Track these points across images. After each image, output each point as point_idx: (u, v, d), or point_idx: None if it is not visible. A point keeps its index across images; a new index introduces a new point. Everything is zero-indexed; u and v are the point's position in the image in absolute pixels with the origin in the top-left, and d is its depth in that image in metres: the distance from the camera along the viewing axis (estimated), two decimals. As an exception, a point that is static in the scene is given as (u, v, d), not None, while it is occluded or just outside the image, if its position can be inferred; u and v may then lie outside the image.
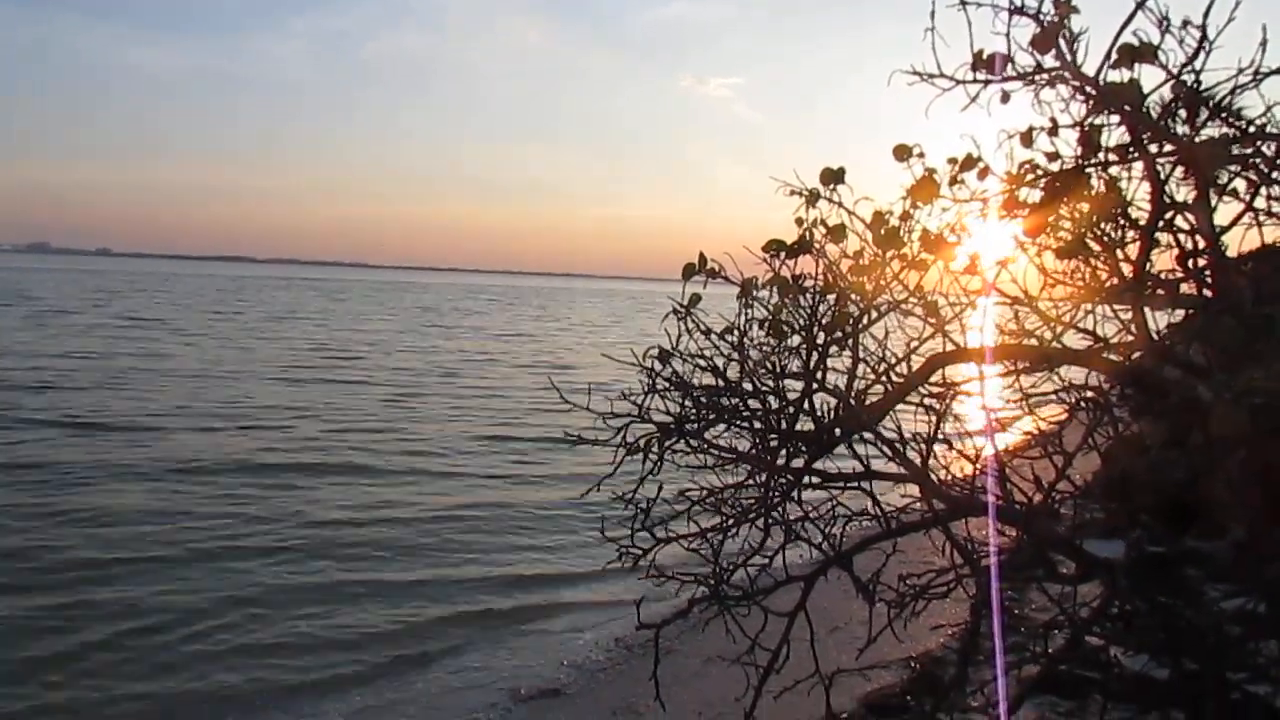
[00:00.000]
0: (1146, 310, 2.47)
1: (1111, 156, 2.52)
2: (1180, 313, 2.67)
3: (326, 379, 23.26)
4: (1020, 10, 2.32)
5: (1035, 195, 2.69)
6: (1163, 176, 2.32)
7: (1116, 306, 2.56)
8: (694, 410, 2.95)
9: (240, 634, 7.48)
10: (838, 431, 2.80)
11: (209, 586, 8.44)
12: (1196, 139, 2.27)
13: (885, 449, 2.71)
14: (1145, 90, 2.34)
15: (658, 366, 2.98)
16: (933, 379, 2.73)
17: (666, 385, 2.96)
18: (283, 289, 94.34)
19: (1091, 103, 2.38)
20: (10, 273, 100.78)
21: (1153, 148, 2.31)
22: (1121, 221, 2.63)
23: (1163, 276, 2.51)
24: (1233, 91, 2.23)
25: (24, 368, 21.41)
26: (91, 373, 21.27)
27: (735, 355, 2.97)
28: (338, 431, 16.13)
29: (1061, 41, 2.31)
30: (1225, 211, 2.37)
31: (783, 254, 2.95)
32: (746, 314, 2.97)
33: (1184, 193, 2.36)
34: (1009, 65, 2.37)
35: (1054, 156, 2.62)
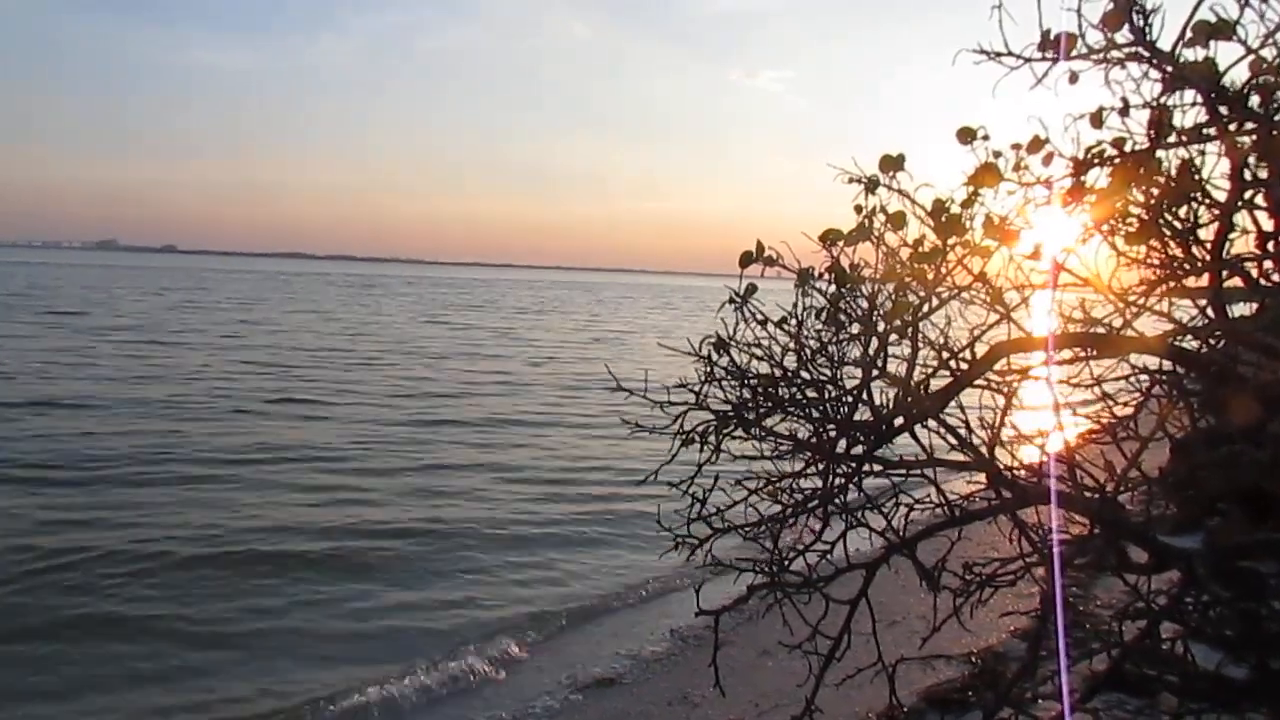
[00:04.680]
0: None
1: (1185, 137, 2.45)
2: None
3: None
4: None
5: (1102, 180, 2.62)
6: (1242, 156, 2.25)
7: (1191, 290, 2.49)
8: (751, 399, 2.94)
9: (309, 622, 7.68)
10: (899, 420, 2.77)
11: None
12: (1276, 117, 2.19)
13: (949, 437, 2.67)
14: (1221, 68, 2.27)
15: (715, 356, 2.98)
16: (997, 366, 2.68)
17: (724, 374, 2.96)
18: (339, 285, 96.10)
19: (1165, 81, 2.32)
20: (40, 269, 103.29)
21: (1232, 126, 2.24)
22: (1196, 204, 2.55)
23: (1240, 259, 2.43)
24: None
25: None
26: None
27: (792, 344, 2.95)
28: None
29: (1134, 18, 2.25)
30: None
31: (840, 242, 2.92)
32: (804, 303, 2.95)
33: (1264, 173, 2.28)
34: (1079, 43, 2.32)
35: (1120, 142, 2.55)
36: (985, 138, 2.68)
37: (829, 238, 2.92)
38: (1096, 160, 2.57)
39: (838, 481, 2.81)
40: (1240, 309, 2.58)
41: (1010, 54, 2.35)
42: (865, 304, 2.89)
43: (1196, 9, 2.20)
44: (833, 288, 2.91)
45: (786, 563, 2.88)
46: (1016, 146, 2.70)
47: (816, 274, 2.92)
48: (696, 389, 2.95)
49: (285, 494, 11.58)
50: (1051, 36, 2.37)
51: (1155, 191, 2.58)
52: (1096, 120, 2.52)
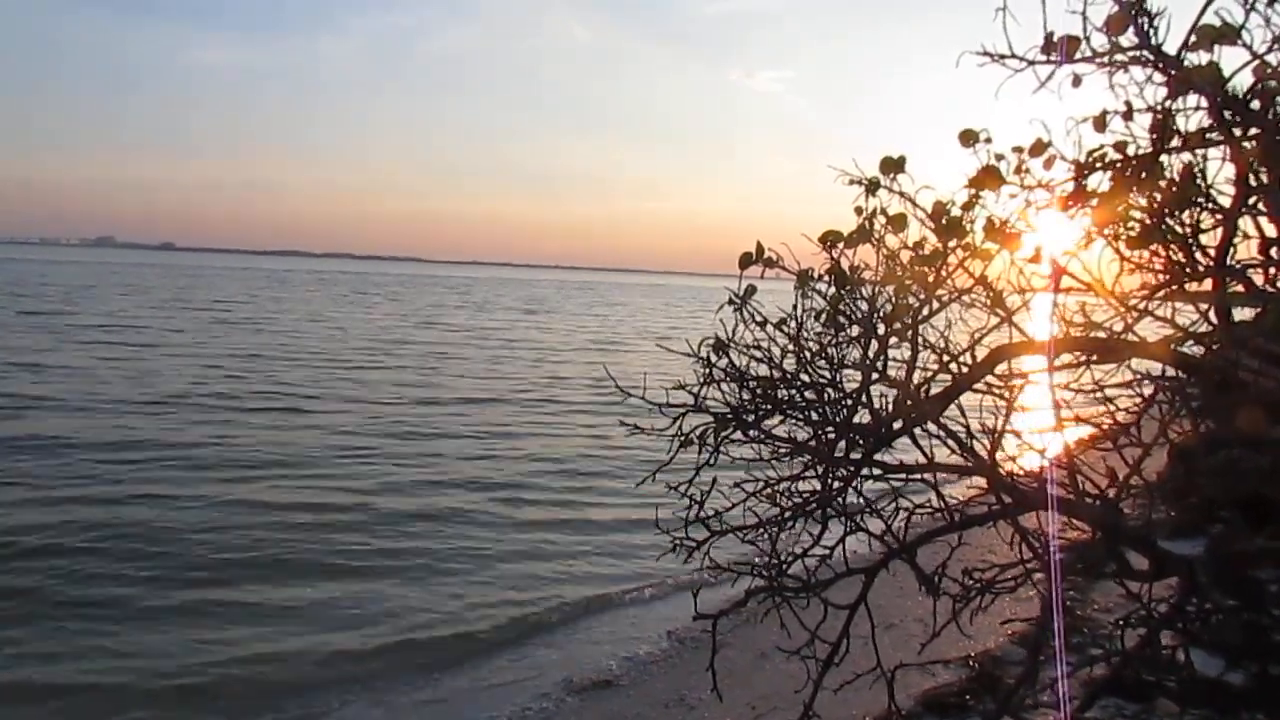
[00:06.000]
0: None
1: (1189, 142, 2.44)
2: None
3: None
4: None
5: (1105, 184, 2.61)
6: (1246, 161, 2.24)
7: (1194, 295, 2.48)
8: (750, 401, 2.92)
9: (299, 629, 7.66)
10: (898, 423, 2.75)
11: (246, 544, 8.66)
12: (1281, 121, 2.18)
13: (949, 441, 2.66)
14: (1226, 73, 2.26)
15: (713, 358, 2.96)
16: (998, 370, 2.67)
17: (722, 376, 2.94)
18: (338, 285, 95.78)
19: (1170, 85, 2.30)
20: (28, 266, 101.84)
21: (1236, 131, 2.23)
22: (1199, 209, 2.54)
23: (1243, 265, 2.42)
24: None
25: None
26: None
27: (792, 347, 2.94)
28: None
29: (1138, 21, 2.24)
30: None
31: (840, 244, 2.91)
32: (803, 305, 2.94)
33: (1268, 178, 2.27)
34: (1083, 46, 2.30)
35: (1122, 146, 2.54)
36: (987, 140, 2.67)
37: (829, 239, 2.90)
38: (1099, 164, 2.56)
39: (836, 485, 2.80)
40: (1243, 314, 2.57)
41: (1013, 56, 2.34)
42: (865, 306, 2.88)
43: (1202, 13, 2.18)
44: (832, 290, 2.90)
45: (785, 566, 2.87)
46: (1018, 149, 2.69)
47: (816, 276, 2.90)
48: (695, 391, 2.94)
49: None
50: (1055, 39, 2.36)
51: (1158, 196, 2.57)
52: (1099, 124, 2.51)
